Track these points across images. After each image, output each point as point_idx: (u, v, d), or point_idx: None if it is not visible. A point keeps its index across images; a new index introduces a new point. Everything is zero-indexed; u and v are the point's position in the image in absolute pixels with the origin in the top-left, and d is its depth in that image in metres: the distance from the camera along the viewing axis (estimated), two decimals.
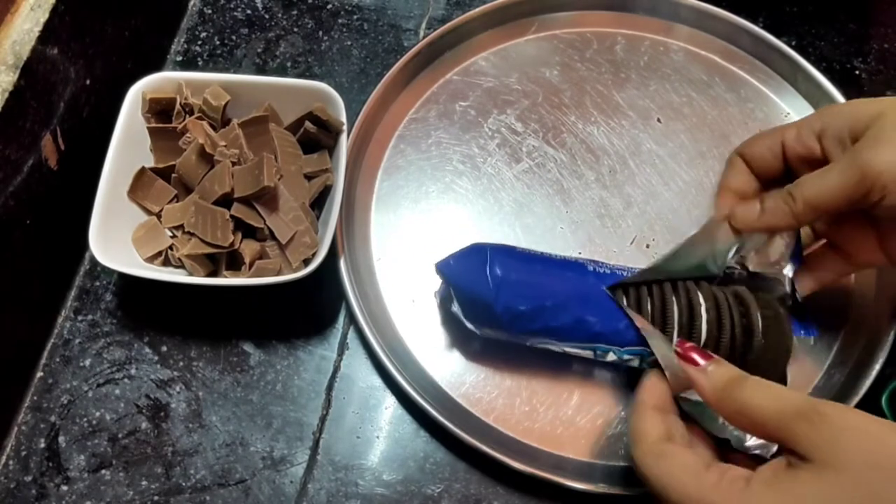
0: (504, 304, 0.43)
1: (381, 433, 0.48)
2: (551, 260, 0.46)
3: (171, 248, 0.49)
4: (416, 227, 0.54)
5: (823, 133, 0.41)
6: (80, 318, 0.51)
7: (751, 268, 0.47)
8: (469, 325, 0.46)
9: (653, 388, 0.39)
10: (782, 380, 0.43)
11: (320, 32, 0.61)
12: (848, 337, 0.50)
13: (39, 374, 0.49)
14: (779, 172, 0.45)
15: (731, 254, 0.46)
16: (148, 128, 0.50)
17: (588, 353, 0.45)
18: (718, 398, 0.35)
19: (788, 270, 0.47)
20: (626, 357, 0.44)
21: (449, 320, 0.50)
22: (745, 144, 0.46)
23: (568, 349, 0.45)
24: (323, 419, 0.48)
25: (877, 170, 0.37)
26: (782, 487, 0.30)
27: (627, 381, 0.49)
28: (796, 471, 0.30)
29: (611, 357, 0.45)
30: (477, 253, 0.45)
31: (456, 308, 0.46)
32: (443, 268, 0.45)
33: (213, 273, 0.48)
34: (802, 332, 0.47)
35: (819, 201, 0.40)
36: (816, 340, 0.50)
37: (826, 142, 0.41)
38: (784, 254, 0.46)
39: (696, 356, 0.37)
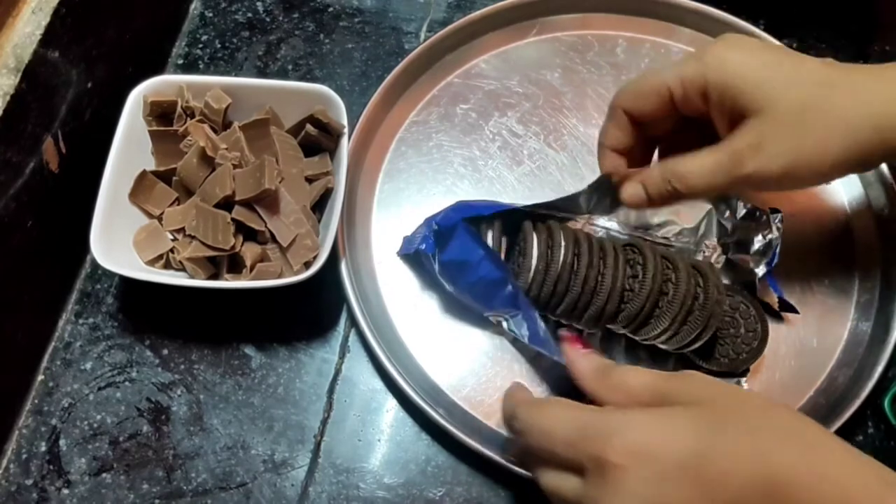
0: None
1: (382, 436, 0.48)
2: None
3: (172, 251, 0.49)
4: None
5: (708, 97, 0.42)
6: (81, 321, 0.51)
7: (729, 255, 0.49)
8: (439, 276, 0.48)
9: (513, 384, 0.44)
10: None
11: (321, 35, 0.61)
12: (851, 339, 0.50)
13: (40, 377, 0.49)
14: (663, 122, 0.45)
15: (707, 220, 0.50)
16: (149, 131, 0.50)
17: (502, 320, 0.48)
18: (595, 378, 0.39)
19: (761, 269, 0.49)
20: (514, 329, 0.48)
21: (449, 319, 0.50)
22: (627, 97, 0.45)
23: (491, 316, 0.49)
24: (324, 422, 0.48)
25: (759, 177, 0.41)
26: (658, 411, 0.34)
27: None
28: (668, 406, 0.35)
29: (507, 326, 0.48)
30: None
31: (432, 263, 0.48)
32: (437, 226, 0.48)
33: (215, 276, 0.48)
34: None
35: (702, 189, 0.42)
36: (819, 342, 0.50)
37: (711, 110, 0.42)
38: (761, 252, 0.49)
39: (578, 345, 0.43)
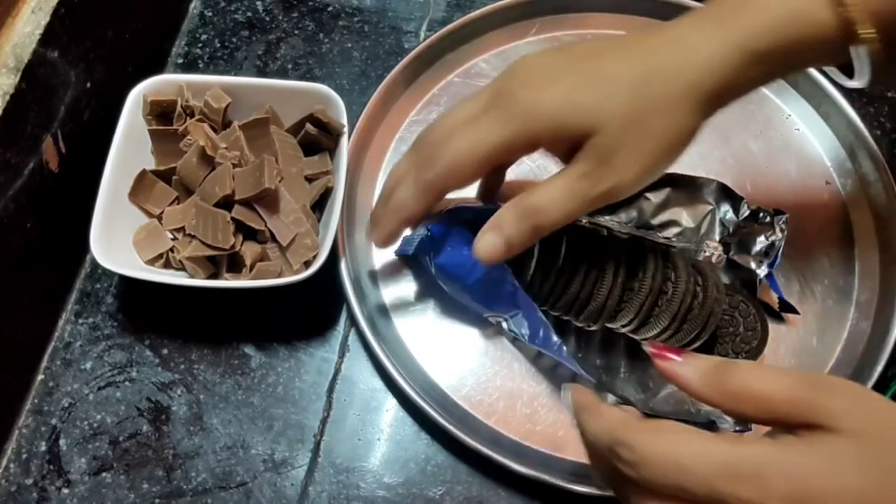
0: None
1: (382, 435, 0.48)
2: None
3: (171, 250, 0.49)
4: None
5: (539, 144, 0.41)
6: (80, 320, 0.51)
7: (731, 255, 0.49)
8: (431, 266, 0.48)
9: (584, 394, 0.36)
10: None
11: (321, 35, 0.61)
12: (851, 339, 0.50)
13: (40, 377, 0.49)
14: None
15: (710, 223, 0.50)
16: (149, 130, 0.50)
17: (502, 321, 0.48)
18: (709, 384, 0.32)
19: (762, 270, 0.49)
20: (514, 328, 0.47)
21: (449, 318, 0.50)
22: (443, 179, 0.42)
23: (491, 317, 0.48)
24: (324, 421, 0.48)
25: (619, 189, 0.40)
26: (816, 446, 0.29)
27: None
28: (826, 436, 0.29)
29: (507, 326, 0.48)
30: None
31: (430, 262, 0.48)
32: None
33: (214, 275, 0.48)
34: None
35: (565, 218, 0.41)
36: (819, 341, 0.50)
37: (545, 148, 0.42)
38: (763, 253, 0.49)
39: (670, 354, 0.35)
